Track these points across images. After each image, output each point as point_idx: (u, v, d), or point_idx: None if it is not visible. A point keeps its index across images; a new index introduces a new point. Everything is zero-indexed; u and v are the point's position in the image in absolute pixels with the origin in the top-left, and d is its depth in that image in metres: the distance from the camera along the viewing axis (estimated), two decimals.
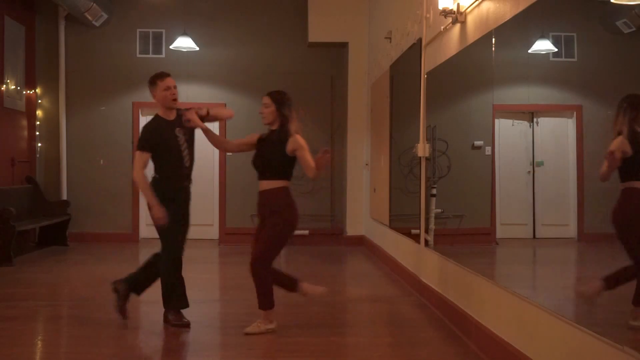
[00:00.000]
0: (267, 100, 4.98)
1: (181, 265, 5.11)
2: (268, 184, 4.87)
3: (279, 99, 4.95)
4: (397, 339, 5.01)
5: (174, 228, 5.00)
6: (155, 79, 5.11)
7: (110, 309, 5.22)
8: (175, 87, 5.13)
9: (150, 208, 4.99)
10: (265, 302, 4.87)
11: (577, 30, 3.82)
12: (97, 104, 10.53)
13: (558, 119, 4.43)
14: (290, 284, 5.08)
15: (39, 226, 9.59)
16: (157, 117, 5.14)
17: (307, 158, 4.80)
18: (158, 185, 5.01)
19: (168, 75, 5.16)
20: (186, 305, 5.11)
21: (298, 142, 4.82)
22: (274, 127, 4.95)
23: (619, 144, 3.26)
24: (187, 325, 5.02)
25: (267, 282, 4.86)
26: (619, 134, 3.26)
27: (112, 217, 10.47)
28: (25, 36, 10.04)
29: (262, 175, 4.91)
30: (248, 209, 10.52)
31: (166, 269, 5.04)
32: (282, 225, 4.82)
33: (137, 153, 5.01)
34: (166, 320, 5.11)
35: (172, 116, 5.12)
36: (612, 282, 3.41)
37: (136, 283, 5.20)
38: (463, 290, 5.01)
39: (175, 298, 5.07)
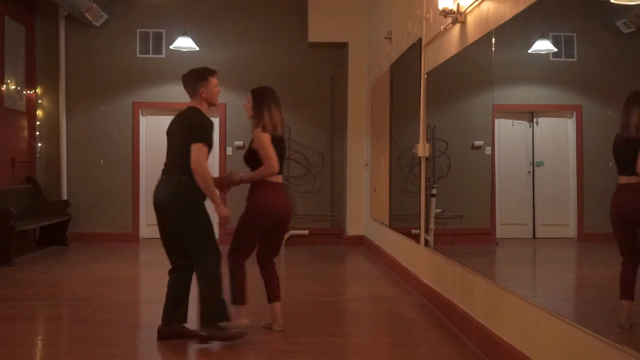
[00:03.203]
0: (249, 95, 5.04)
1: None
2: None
3: (257, 94, 4.99)
4: (397, 339, 5.01)
5: (211, 231, 4.69)
6: (207, 74, 4.75)
7: (110, 309, 5.22)
8: None
9: (216, 207, 4.61)
10: (234, 296, 4.86)
11: (577, 30, 3.82)
12: (97, 104, 10.53)
13: (558, 119, 4.44)
14: (269, 294, 5.04)
15: (39, 226, 9.59)
16: (203, 113, 4.74)
17: (261, 154, 4.82)
18: (190, 186, 4.56)
19: (217, 72, 4.88)
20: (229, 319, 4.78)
21: (257, 137, 4.86)
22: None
23: None
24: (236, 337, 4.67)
25: (235, 275, 4.87)
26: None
27: (112, 217, 10.46)
28: (25, 36, 10.04)
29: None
30: None
31: (213, 271, 4.64)
32: (245, 218, 4.93)
33: (199, 146, 4.51)
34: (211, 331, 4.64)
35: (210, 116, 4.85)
36: (627, 293, 3.40)
37: (220, 307, 4.68)
38: (463, 290, 5.01)
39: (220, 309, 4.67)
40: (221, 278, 4.65)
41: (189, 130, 4.60)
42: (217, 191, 4.73)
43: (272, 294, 5.04)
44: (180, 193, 4.55)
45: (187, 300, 4.80)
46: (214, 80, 4.80)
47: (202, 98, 4.73)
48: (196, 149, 4.52)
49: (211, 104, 4.82)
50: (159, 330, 4.73)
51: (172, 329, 4.74)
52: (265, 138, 4.83)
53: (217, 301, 4.61)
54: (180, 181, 4.56)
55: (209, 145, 4.62)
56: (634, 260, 3.29)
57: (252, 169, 4.94)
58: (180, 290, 4.76)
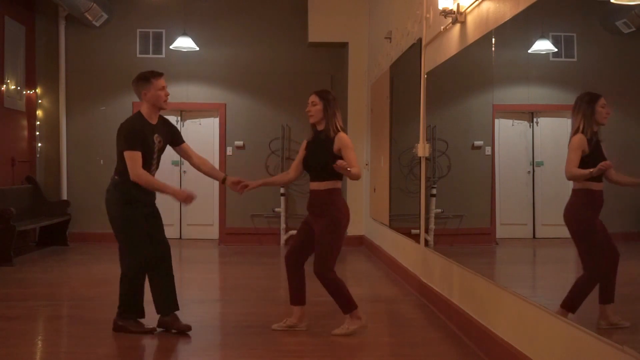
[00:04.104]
0: (314, 98, 4.93)
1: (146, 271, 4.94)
2: (317, 185, 4.84)
3: (326, 97, 4.91)
4: (397, 339, 5.01)
5: (132, 237, 4.83)
6: (149, 77, 4.84)
7: (109, 309, 5.21)
8: (166, 88, 4.94)
9: (174, 196, 4.86)
10: (346, 305, 4.86)
11: (577, 30, 3.82)
12: (97, 104, 10.53)
13: (558, 119, 4.43)
14: (297, 299, 5.01)
15: (39, 226, 9.59)
16: (140, 116, 4.87)
17: (351, 157, 4.74)
18: (117, 187, 4.83)
19: (162, 74, 4.96)
20: (138, 315, 4.95)
21: (343, 141, 4.79)
22: (320, 128, 4.91)
23: (581, 142, 3.31)
24: (152, 331, 4.89)
25: (339, 285, 4.83)
26: (576, 132, 3.32)
27: None
28: (25, 36, 10.04)
29: (312, 177, 4.90)
30: (248, 209, 10.54)
31: (128, 275, 4.87)
32: (333, 227, 4.78)
33: (128, 154, 4.71)
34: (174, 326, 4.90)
35: (154, 120, 4.90)
36: (572, 305, 3.48)
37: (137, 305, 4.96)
38: (463, 290, 5.01)
39: (131, 305, 4.90)
40: (137, 282, 4.84)
41: (117, 137, 4.88)
42: (163, 184, 4.86)
43: (300, 298, 5.00)
44: (107, 194, 4.87)
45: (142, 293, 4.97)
46: (157, 83, 4.84)
47: (145, 101, 4.85)
48: (127, 157, 4.73)
49: (158, 107, 4.87)
50: (114, 323, 4.92)
51: (127, 323, 4.90)
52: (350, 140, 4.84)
53: (127, 299, 4.84)
54: (112, 182, 4.88)
55: (139, 148, 4.71)
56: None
57: (328, 176, 4.79)
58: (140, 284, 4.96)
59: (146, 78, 4.85)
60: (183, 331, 4.86)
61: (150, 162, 4.87)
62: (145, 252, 4.84)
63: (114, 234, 4.93)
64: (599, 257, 3.39)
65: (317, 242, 4.82)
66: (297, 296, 4.97)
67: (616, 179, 3.25)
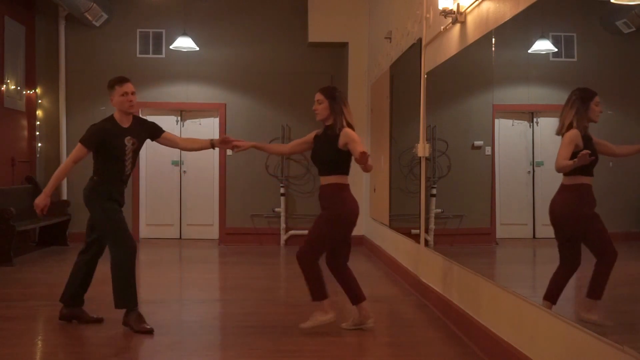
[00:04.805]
0: (319, 96, 4.99)
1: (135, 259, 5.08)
2: (325, 180, 4.93)
3: (331, 94, 4.97)
4: (397, 339, 5.01)
5: (124, 224, 5.05)
6: (114, 84, 5.10)
7: (110, 309, 5.22)
8: (133, 93, 5.10)
9: (42, 194, 5.06)
10: (315, 293, 4.90)
11: (577, 30, 3.82)
12: (97, 104, 10.49)
13: (558, 119, 4.43)
14: (355, 297, 5.04)
15: (39, 226, 9.59)
16: (111, 119, 5.13)
17: (358, 150, 4.75)
18: (98, 187, 5.07)
19: (127, 80, 5.13)
20: (137, 304, 5.01)
21: (348, 135, 4.83)
22: (328, 123, 4.96)
23: (574, 137, 3.33)
24: (150, 331, 4.90)
25: (314, 273, 4.87)
26: (569, 127, 3.34)
27: None
28: (25, 36, 10.04)
29: (320, 171, 4.99)
30: (248, 209, 10.54)
31: (122, 263, 4.95)
32: (330, 220, 4.86)
33: (78, 145, 5.06)
34: (127, 322, 4.96)
35: (126, 123, 5.11)
36: (550, 297, 3.55)
37: (73, 297, 5.17)
38: (463, 290, 5.01)
39: (129, 295, 4.97)
40: (127, 270, 4.95)
41: None
42: (53, 185, 5.12)
43: (359, 294, 5.03)
44: (87, 193, 5.12)
45: (89, 284, 5.23)
46: (119, 89, 5.08)
47: (113, 106, 5.14)
48: (76, 147, 5.11)
49: (124, 112, 5.09)
50: (60, 312, 5.17)
51: (72, 312, 5.17)
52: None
53: (124, 288, 4.96)
54: (91, 182, 5.14)
55: (89, 147, 5.07)
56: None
57: (335, 171, 4.87)
58: (87, 273, 5.20)
59: (111, 85, 5.14)
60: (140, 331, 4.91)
61: (123, 162, 5.07)
62: (129, 241, 5.00)
63: (97, 227, 5.15)
64: (575, 252, 3.45)
65: (312, 226, 4.93)
66: (355, 294, 5.02)
67: (618, 151, 3.28)
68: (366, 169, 4.77)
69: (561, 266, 3.60)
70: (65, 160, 4.98)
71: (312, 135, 5.13)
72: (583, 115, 3.38)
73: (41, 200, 5.00)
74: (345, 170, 4.94)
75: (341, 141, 4.84)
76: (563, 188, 3.54)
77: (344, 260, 5.07)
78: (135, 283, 5.03)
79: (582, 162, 3.27)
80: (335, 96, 4.96)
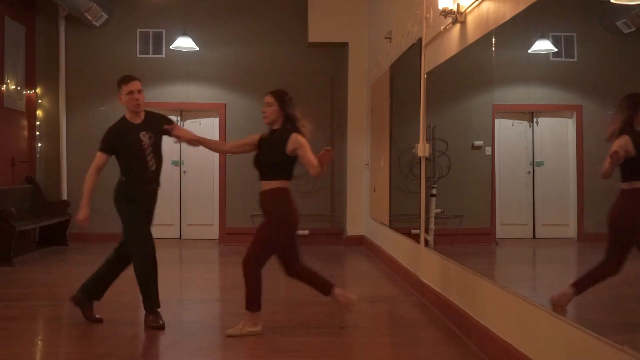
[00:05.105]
0: (269, 99, 4.93)
1: (156, 262, 5.10)
2: (267, 185, 4.85)
3: (282, 98, 4.90)
4: (397, 339, 5.01)
5: (142, 226, 5.08)
6: (120, 82, 5.12)
7: (110, 309, 5.22)
8: (139, 91, 5.10)
9: (80, 209, 5.18)
10: (254, 303, 4.84)
11: (577, 30, 3.82)
12: (97, 104, 10.52)
13: (558, 119, 4.43)
14: (324, 287, 5.05)
15: (39, 226, 9.59)
16: (122, 120, 5.17)
17: (308, 156, 4.73)
18: (122, 187, 5.14)
19: (134, 79, 5.13)
20: (158, 305, 5.08)
21: (298, 141, 4.76)
22: (275, 127, 4.91)
23: (624, 143, 3.28)
24: (162, 327, 4.98)
25: (256, 282, 4.82)
26: (620, 133, 3.28)
27: (112, 217, 10.31)
28: (25, 36, 10.04)
29: (262, 176, 4.89)
30: (248, 209, 10.51)
31: (138, 268, 5.04)
32: (275, 226, 4.82)
33: (97, 153, 5.12)
34: (145, 322, 5.06)
35: (138, 119, 5.13)
36: (581, 286, 3.49)
37: (95, 289, 5.23)
38: (463, 290, 5.01)
39: (146, 297, 5.06)
40: (147, 269, 5.02)
41: None
42: (87, 196, 5.20)
43: (326, 285, 5.05)
44: (114, 192, 5.20)
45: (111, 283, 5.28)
46: (125, 87, 5.09)
47: (122, 104, 5.15)
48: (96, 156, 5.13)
49: (131, 110, 5.11)
50: (74, 294, 5.21)
51: (81, 300, 5.19)
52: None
53: (143, 291, 5.05)
54: (118, 182, 5.21)
55: (108, 151, 5.10)
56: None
57: (278, 176, 4.81)
58: (107, 271, 5.26)
59: (118, 83, 5.16)
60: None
61: (145, 160, 5.08)
62: (144, 245, 5.03)
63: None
64: (624, 256, 3.39)
65: (257, 234, 4.86)
66: (322, 285, 5.06)
67: None
68: (322, 172, 4.73)
69: (606, 265, 3.51)
70: (80, 166, 5.02)
71: (256, 137, 5.02)
72: (633, 121, 3.34)
73: (82, 215, 5.17)
74: (289, 176, 4.86)
75: (290, 146, 4.75)
76: (621, 193, 3.48)
77: (298, 261, 5.05)
78: (154, 285, 5.06)
79: (615, 162, 3.23)
80: (285, 100, 4.89)
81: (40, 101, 10.49)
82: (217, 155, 10.42)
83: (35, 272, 7.76)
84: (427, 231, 6.16)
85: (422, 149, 6.17)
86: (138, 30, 10.55)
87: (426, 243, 6.18)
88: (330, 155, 4.68)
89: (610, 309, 3.31)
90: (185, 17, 10.23)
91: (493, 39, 4.49)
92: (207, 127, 10.69)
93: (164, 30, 10.53)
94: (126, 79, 5.12)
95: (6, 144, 9.45)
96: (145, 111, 5.18)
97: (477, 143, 5.28)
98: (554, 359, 3.44)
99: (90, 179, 5.15)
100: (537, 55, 4.06)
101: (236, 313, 5.75)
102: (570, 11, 3.90)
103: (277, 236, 4.85)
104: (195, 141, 5.29)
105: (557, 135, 4.43)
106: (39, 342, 4.89)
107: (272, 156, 4.81)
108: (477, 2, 4.82)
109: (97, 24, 10.18)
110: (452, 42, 5.39)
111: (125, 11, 10.48)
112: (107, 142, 5.08)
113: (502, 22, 4.30)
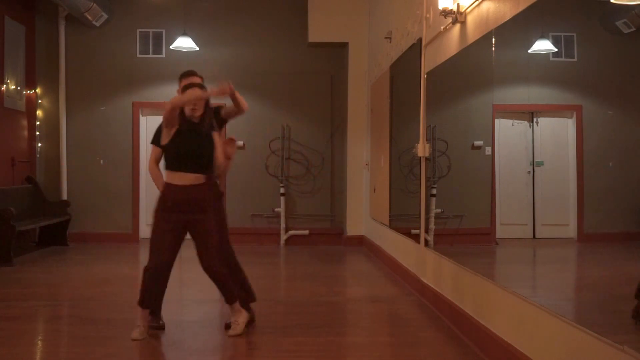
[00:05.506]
0: (190, 79, 5.04)
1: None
2: (198, 179, 4.75)
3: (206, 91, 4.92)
4: (397, 339, 5.01)
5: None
6: (181, 76, 5.12)
7: (110, 309, 5.22)
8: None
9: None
10: (232, 294, 4.88)
11: (577, 30, 3.82)
12: (97, 104, 10.53)
13: (558, 119, 4.43)
14: (232, 294, 4.95)
15: (39, 226, 9.59)
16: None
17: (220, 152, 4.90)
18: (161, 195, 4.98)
19: (193, 74, 5.07)
20: (151, 307, 4.97)
21: (215, 136, 4.96)
22: (198, 120, 4.91)
23: None
24: (162, 327, 4.99)
25: (227, 276, 4.91)
26: None
27: (112, 217, 10.46)
28: (25, 36, 10.04)
29: (191, 168, 4.78)
30: (248, 209, 10.54)
31: (146, 272, 4.90)
32: (222, 219, 5.05)
33: (152, 147, 5.05)
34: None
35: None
36: None
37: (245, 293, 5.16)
38: (463, 290, 5.01)
39: (142, 297, 4.91)
40: (152, 281, 4.81)
41: None
42: (158, 183, 4.91)
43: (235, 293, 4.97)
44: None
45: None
46: (182, 82, 5.02)
47: None
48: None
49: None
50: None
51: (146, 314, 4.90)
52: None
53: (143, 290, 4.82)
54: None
55: (156, 143, 4.92)
56: None
57: (207, 166, 4.78)
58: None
59: (179, 77, 5.16)
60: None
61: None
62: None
63: None
64: None
65: (206, 235, 4.77)
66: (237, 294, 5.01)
67: None
68: (226, 169, 4.89)
69: None
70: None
71: (171, 132, 4.75)
72: None
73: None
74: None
75: (214, 139, 4.81)
76: None
77: (232, 256, 5.13)
78: (156, 291, 4.92)
79: None
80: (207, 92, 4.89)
81: (40, 101, 10.49)
82: None
83: (35, 272, 7.76)
84: (427, 231, 6.16)
85: (422, 149, 6.17)
86: (138, 30, 10.55)
87: (426, 243, 6.18)
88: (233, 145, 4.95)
89: (610, 309, 3.30)
90: (185, 17, 10.23)
91: (493, 39, 4.49)
92: None
93: (164, 30, 10.53)
94: (186, 74, 5.13)
95: (6, 144, 9.45)
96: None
97: (477, 143, 5.28)
98: (553, 359, 3.44)
99: (153, 172, 5.03)
100: (537, 55, 4.06)
101: None
102: (570, 11, 3.90)
103: (226, 228, 5.13)
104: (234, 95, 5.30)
105: (557, 135, 4.44)
106: (39, 342, 4.89)
107: (207, 148, 4.80)
108: (477, 2, 4.82)
109: (97, 24, 10.18)
110: (452, 42, 5.39)
111: (125, 11, 10.48)
112: (157, 135, 5.02)
113: (502, 22, 4.30)
